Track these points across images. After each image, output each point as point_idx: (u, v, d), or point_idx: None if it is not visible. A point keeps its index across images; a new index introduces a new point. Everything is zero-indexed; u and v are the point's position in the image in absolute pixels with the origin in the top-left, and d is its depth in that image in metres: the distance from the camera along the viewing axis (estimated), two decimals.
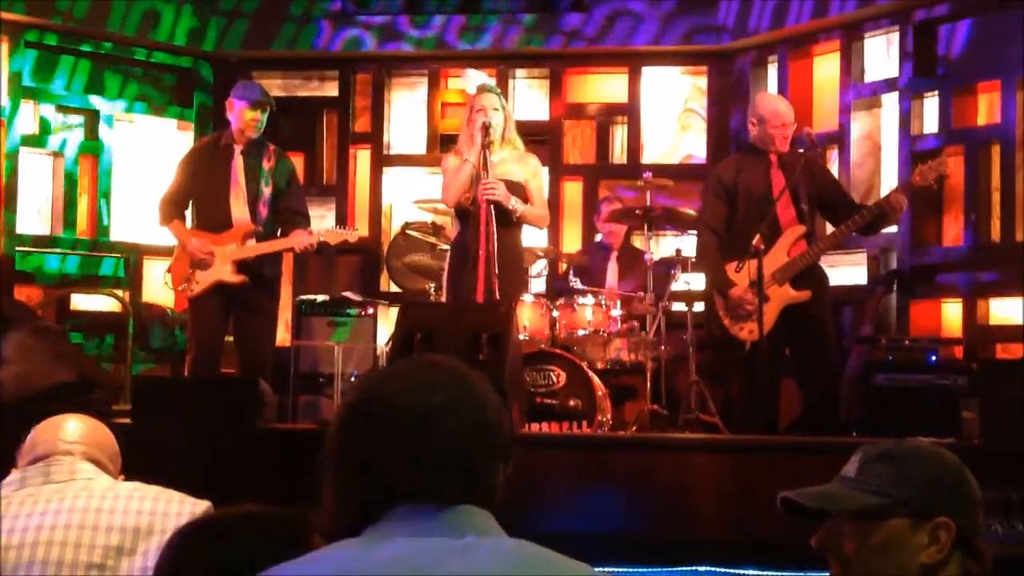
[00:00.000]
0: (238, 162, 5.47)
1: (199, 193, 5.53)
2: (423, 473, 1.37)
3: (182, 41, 7.49)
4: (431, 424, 1.39)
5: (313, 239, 5.38)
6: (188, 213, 5.71)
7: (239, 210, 5.44)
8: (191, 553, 1.48)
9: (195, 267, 5.42)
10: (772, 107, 5.41)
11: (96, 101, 7.29)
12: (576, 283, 5.85)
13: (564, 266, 6.47)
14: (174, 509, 2.06)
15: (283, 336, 7.20)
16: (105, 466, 2.21)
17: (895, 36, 6.69)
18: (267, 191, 5.45)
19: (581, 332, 5.57)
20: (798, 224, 5.23)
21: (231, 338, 5.66)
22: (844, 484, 1.73)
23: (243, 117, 5.44)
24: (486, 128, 4.98)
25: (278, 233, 5.55)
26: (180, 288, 5.47)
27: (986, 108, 6.39)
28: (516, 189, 5.08)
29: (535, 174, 5.25)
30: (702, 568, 4.01)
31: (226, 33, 7.58)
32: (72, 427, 2.21)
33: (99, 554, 2.02)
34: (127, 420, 4.56)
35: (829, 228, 5.79)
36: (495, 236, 4.95)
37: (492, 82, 5.26)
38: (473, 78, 5.29)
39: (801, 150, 5.26)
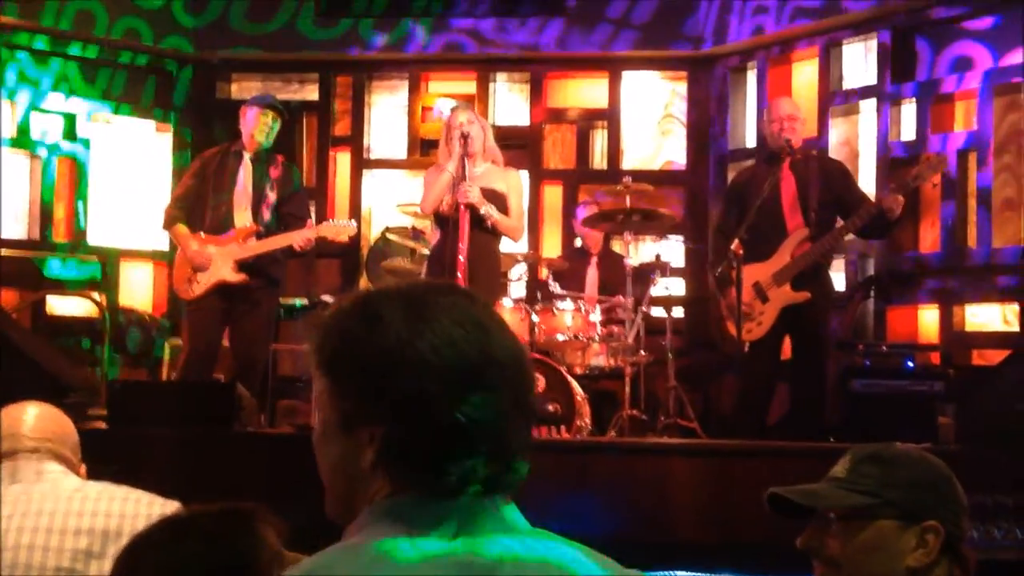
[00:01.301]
0: (246, 168, 5.51)
1: (205, 197, 5.54)
2: (505, 452, 1.15)
3: (162, 43, 7.46)
4: (518, 377, 1.15)
5: (311, 234, 5.39)
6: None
7: (242, 213, 5.47)
8: (143, 558, 1.47)
9: (196, 269, 5.43)
10: (773, 103, 5.57)
11: (74, 103, 7.23)
12: (556, 288, 5.85)
13: (544, 271, 6.47)
14: (143, 511, 2.04)
15: None
16: (69, 459, 2.18)
17: (873, 43, 6.73)
18: (272, 195, 5.49)
19: (560, 337, 5.57)
20: (803, 228, 5.25)
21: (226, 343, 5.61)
22: (833, 484, 1.73)
23: (256, 120, 5.49)
24: (465, 137, 5.06)
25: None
26: (182, 289, 5.46)
27: (962, 115, 6.43)
28: (496, 199, 5.14)
29: (516, 188, 5.33)
30: (680, 572, 4.01)
31: (205, 34, 7.55)
32: (32, 420, 2.16)
33: (68, 557, 2.00)
34: (102, 424, 4.53)
35: None
36: (472, 240, 5.00)
37: (464, 105, 5.41)
38: (445, 105, 5.41)
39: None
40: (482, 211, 5.06)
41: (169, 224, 5.58)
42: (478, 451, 1.13)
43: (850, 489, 1.70)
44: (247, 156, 5.53)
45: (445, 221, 5.13)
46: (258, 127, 5.50)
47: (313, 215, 7.37)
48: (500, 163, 5.33)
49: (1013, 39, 6.11)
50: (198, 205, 5.55)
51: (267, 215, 5.47)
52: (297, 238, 5.36)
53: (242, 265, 5.38)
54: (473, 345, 1.13)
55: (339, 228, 5.53)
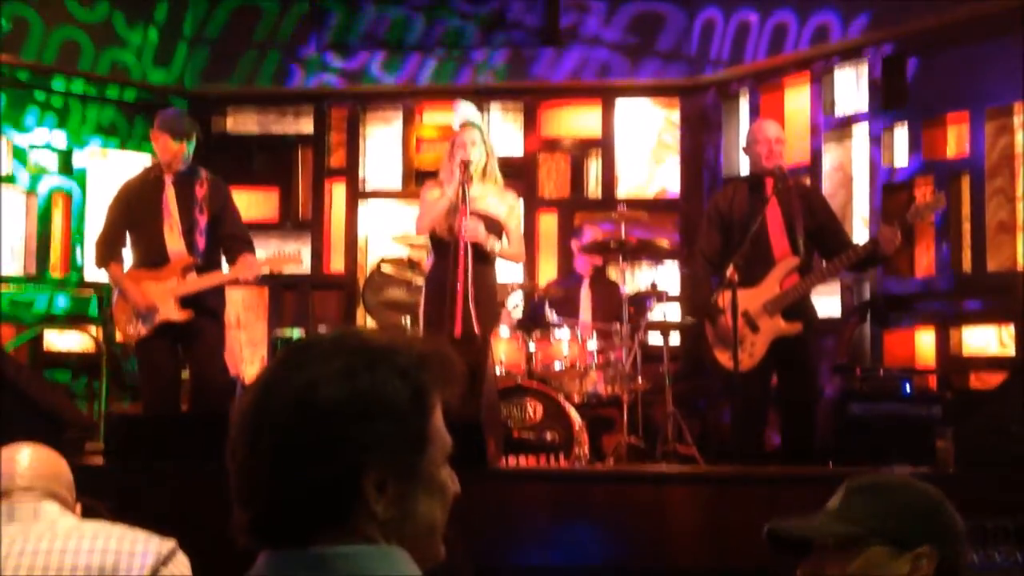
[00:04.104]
0: (169, 193, 5.24)
1: (133, 229, 5.32)
2: (244, 504, 1.17)
3: (157, 78, 7.49)
4: (239, 432, 1.18)
5: (257, 268, 5.23)
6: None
7: (174, 242, 5.21)
8: None
9: (140, 317, 5.18)
10: (759, 125, 5.46)
11: (69, 139, 7.26)
12: (552, 316, 5.85)
13: (539, 297, 6.47)
14: (139, 548, 2.02)
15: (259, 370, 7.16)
16: (64, 498, 2.17)
17: (864, 69, 6.77)
18: (202, 220, 5.21)
19: (558, 365, 5.56)
20: (792, 256, 5.19)
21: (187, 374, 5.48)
22: (827, 516, 1.75)
23: (168, 149, 5.23)
24: (465, 164, 4.96)
25: (220, 262, 5.36)
26: (125, 330, 5.24)
27: (955, 139, 6.46)
28: (494, 224, 5.07)
29: (513, 211, 5.23)
30: None
31: (201, 69, 7.58)
32: (26, 460, 2.16)
33: None
34: (99, 460, 4.52)
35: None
36: (471, 270, 4.94)
37: (478, 117, 5.20)
38: (461, 111, 5.19)
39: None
40: (487, 248, 4.99)
41: (101, 262, 5.34)
42: (242, 500, 1.18)
43: (842, 519, 1.73)
44: (168, 180, 5.26)
45: (443, 246, 5.01)
46: (172, 155, 5.23)
47: (309, 249, 7.42)
48: (500, 184, 5.19)
49: (1004, 64, 6.15)
50: (129, 237, 5.32)
51: (201, 242, 5.19)
52: (241, 273, 5.20)
53: (184, 301, 5.18)
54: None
55: (285, 259, 5.36)
